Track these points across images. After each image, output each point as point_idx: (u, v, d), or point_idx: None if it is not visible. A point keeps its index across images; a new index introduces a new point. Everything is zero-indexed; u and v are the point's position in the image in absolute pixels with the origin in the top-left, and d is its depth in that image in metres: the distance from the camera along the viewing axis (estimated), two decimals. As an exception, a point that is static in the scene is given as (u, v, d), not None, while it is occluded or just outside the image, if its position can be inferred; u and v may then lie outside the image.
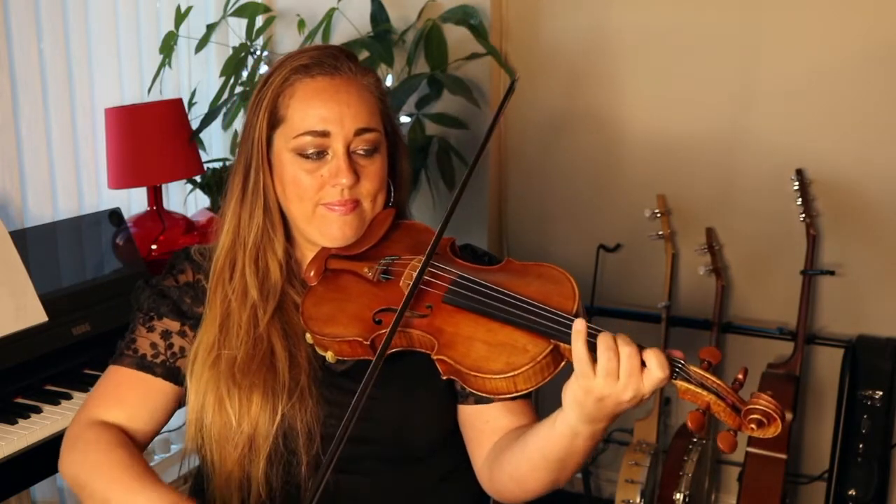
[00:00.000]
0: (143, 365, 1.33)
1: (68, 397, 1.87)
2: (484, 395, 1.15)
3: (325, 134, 1.29)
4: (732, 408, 1.06)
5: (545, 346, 1.11)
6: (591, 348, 1.08)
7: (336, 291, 1.30)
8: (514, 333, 1.14)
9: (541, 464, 1.19)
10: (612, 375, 1.06)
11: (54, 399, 1.85)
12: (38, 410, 1.80)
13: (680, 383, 1.07)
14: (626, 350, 1.06)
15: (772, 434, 1.05)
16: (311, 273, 1.32)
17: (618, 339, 1.07)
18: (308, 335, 1.27)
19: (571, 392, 1.10)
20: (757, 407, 1.04)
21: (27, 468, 1.73)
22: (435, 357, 1.17)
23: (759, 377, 2.66)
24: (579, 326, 1.08)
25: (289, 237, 1.38)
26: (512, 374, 1.11)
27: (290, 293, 1.34)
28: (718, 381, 1.06)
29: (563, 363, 1.14)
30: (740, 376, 1.08)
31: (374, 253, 1.32)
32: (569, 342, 1.10)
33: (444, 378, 1.18)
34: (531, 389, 1.13)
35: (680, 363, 1.07)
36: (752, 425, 1.04)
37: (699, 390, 1.06)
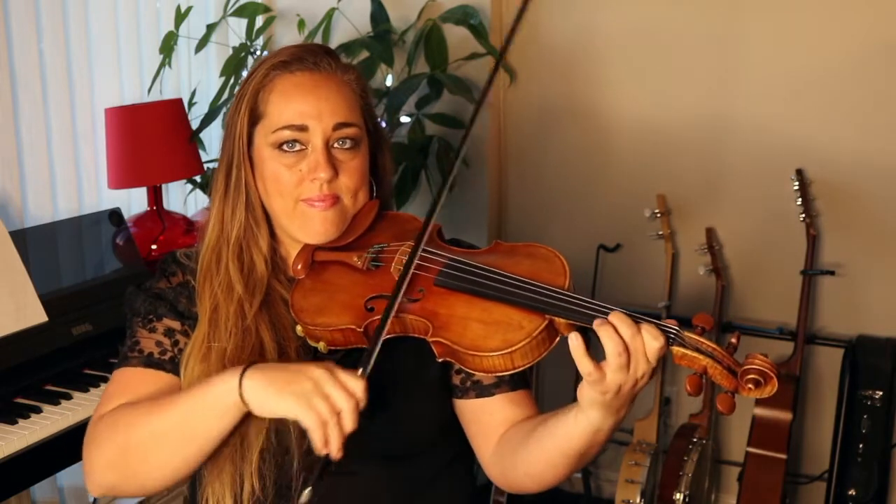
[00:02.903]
0: (152, 362, 1.31)
1: (68, 397, 1.87)
2: (481, 373, 1.17)
3: (303, 128, 1.30)
4: (728, 370, 1.07)
5: (540, 321, 1.13)
6: (583, 331, 1.09)
7: (325, 283, 1.30)
8: (508, 311, 1.15)
9: (561, 461, 1.20)
10: (623, 369, 1.07)
11: (54, 399, 1.85)
12: (38, 410, 1.80)
13: (676, 349, 1.09)
14: (633, 341, 1.07)
15: (768, 393, 1.06)
16: (299, 266, 1.32)
17: (618, 326, 1.07)
18: (299, 327, 1.27)
19: (588, 395, 1.11)
20: (752, 367, 1.06)
21: (27, 468, 1.73)
22: (431, 339, 1.17)
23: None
24: (576, 342, 1.08)
25: (273, 234, 1.38)
26: (509, 350, 1.12)
27: (277, 288, 1.34)
28: (713, 345, 1.08)
29: (558, 338, 1.15)
30: (734, 340, 1.10)
31: (361, 243, 1.33)
32: (563, 316, 1.11)
33: (440, 360, 1.18)
34: (528, 366, 1.14)
35: (674, 329, 1.09)
36: (750, 385, 1.05)
37: (695, 354, 1.08)
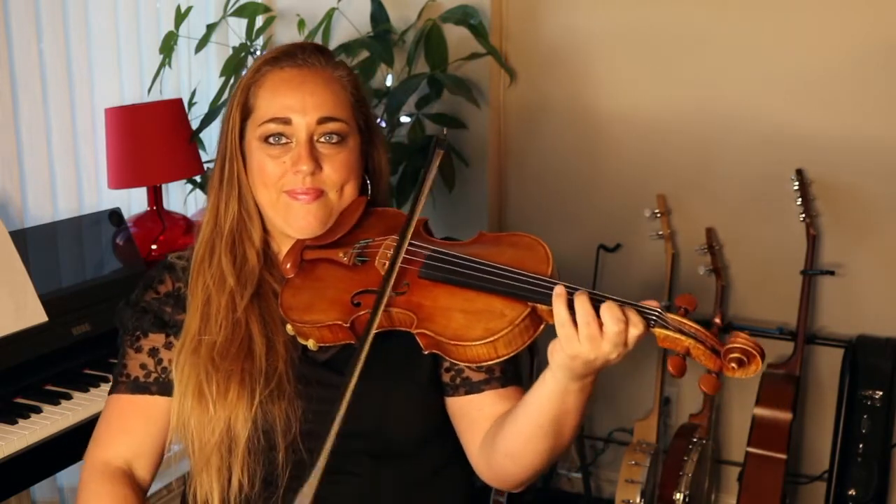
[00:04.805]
0: (138, 387, 1.36)
1: (68, 397, 1.87)
2: (466, 363, 1.17)
3: (286, 121, 1.32)
4: (712, 350, 1.06)
5: (522, 309, 1.13)
6: (572, 308, 1.09)
7: (314, 280, 1.31)
8: (490, 300, 1.15)
9: (536, 432, 1.19)
10: (595, 340, 1.07)
11: (54, 399, 1.85)
12: (38, 410, 1.81)
13: (658, 331, 1.08)
14: (608, 315, 1.07)
15: (752, 373, 1.05)
16: (288, 265, 1.33)
17: (601, 303, 1.08)
18: (289, 326, 1.28)
19: (558, 357, 1.11)
20: (735, 346, 1.05)
21: (27, 468, 1.73)
22: (415, 332, 1.18)
23: (758, 377, 2.66)
24: (559, 290, 1.10)
25: (266, 229, 1.39)
26: (492, 338, 1.12)
27: (269, 281, 1.36)
28: (696, 326, 1.08)
29: (542, 326, 1.15)
30: (717, 320, 1.09)
31: (348, 239, 1.34)
32: (545, 303, 1.11)
33: (426, 353, 1.19)
34: (512, 354, 1.14)
35: (656, 312, 1.09)
36: (733, 364, 1.05)
37: (678, 335, 1.07)
